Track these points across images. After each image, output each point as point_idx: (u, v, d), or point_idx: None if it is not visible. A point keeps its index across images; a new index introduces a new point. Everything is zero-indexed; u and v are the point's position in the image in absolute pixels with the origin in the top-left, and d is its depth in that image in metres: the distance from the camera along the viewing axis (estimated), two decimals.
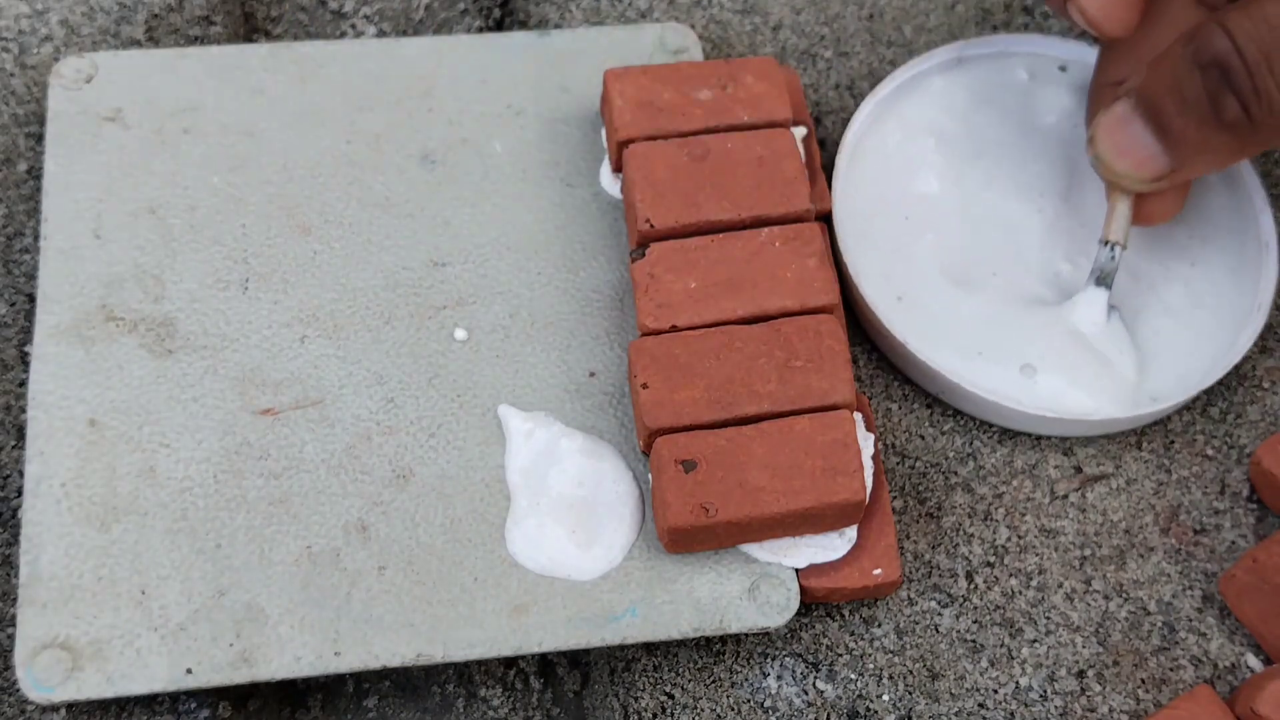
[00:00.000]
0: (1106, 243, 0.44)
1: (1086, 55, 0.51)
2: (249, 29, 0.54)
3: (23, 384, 0.45)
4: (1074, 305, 0.45)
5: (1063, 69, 0.51)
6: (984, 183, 0.49)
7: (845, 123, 0.51)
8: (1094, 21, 0.42)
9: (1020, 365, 0.46)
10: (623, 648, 0.43)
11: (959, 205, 0.49)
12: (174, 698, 0.41)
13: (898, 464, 0.46)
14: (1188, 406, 0.47)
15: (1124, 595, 0.44)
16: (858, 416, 0.42)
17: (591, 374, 0.44)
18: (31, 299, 0.46)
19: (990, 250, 0.48)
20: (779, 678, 0.42)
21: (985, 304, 0.47)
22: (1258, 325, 0.46)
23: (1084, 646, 0.43)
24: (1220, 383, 0.48)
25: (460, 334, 0.44)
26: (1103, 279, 0.44)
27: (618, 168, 0.46)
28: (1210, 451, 0.47)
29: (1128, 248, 0.44)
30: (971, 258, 0.48)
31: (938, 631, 0.43)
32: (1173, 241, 0.48)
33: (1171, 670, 0.43)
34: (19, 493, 0.43)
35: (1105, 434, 0.46)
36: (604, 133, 0.47)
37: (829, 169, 0.49)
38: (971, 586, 0.44)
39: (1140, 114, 0.39)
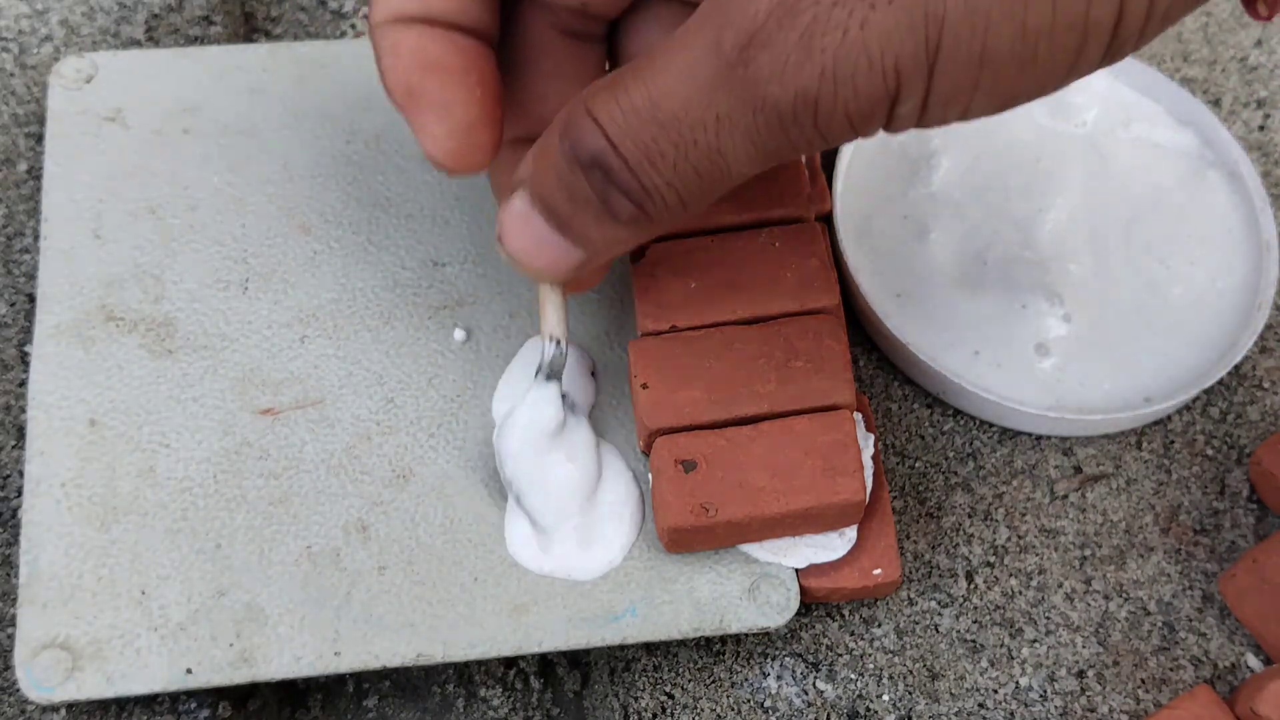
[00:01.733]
0: (551, 339, 0.40)
1: None
2: (249, 29, 0.54)
3: (23, 384, 0.45)
4: (529, 405, 0.41)
5: None
6: (985, 183, 0.49)
7: None
8: (440, 165, 0.37)
9: (1019, 365, 0.46)
10: (623, 648, 0.43)
11: (959, 205, 0.49)
12: (174, 698, 0.41)
13: (898, 464, 0.46)
14: (1188, 406, 0.47)
15: (1124, 595, 0.44)
16: (858, 416, 0.42)
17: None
18: (31, 299, 0.46)
19: (991, 250, 0.48)
20: (779, 678, 0.42)
21: (985, 303, 0.47)
22: (1258, 325, 0.46)
23: (1084, 646, 0.43)
24: (1220, 383, 0.48)
25: (460, 334, 0.44)
26: (552, 374, 0.41)
27: None
28: (1210, 451, 0.47)
29: (569, 338, 0.41)
30: (971, 257, 0.48)
31: (938, 631, 0.43)
32: (1173, 241, 0.48)
33: (1171, 670, 0.43)
34: (19, 493, 0.43)
35: (1105, 434, 0.46)
36: None
37: (829, 169, 0.49)
38: (971, 586, 0.44)
39: (539, 210, 0.35)
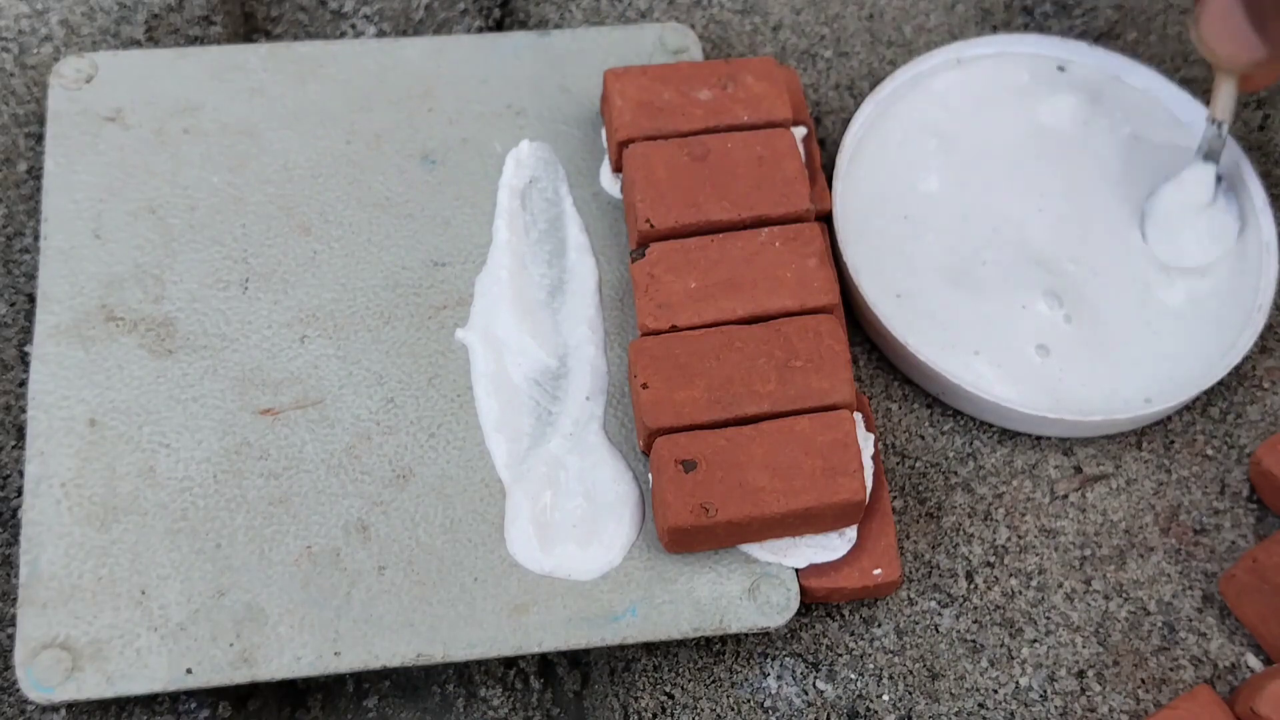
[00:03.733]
0: (1213, 120, 0.47)
1: (1085, 56, 0.51)
2: (249, 29, 0.54)
3: (23, 384, 0.45)
4: (1181, 180, 0.48)
5: (1061, 69, 0.51)
6: (984, 183, 0.49)
7: (845, 123, 0.51)
8: (1211, 55, 0.45)
9: (1019, 365, 0.46)
10: (623, 648, 0.43)
11: (959, 205, 0.49)
12: (174, 698, 0.41)
13: (898, 464, 0.46)
14: (1188, 406, 0.47)
15: (1124, 595, 0.44)
16: (858, 416, 0.42)
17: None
18: (31, 299, 0.46)
19: (990, 250, 0.48)
20: (779, 678, 0.42)
21: (985, 303, 0.47)
22: (1258, 326, 0.46)
23: (1084, 646, 0.43)
24: (1220, 383, 0.48)
25: (460, 334, 0.44)
26: (1210, 154, 0.47)
27: (618, 168, 0.46)
28: (1210, 451, 0.47)
29: (1232, 123, 0.47)
30: (971, 257, 0.48)
31: (938, 631, 0.43)
32: (1172, 242, 0.48)
33: (1171, 670, 0.43)
34: (19, 493, 0.43)
35: (1105, 434, 0.46)
36: (604, 133, 0.47)
37: (829, 169, 0.49)
38: (971, 586, 0.44)
39: (1243, 5, 0.42)
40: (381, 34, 0.54)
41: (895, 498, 0.45)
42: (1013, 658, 0.43)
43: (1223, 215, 0.48)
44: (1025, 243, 0.48)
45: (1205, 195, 0.48)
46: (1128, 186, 0.49)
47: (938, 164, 0.49)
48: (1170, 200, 0.48)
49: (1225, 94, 0.46)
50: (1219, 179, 0.48)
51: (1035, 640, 0.43)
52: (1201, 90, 0.54)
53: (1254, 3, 0.42)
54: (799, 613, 0.42)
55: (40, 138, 0.48)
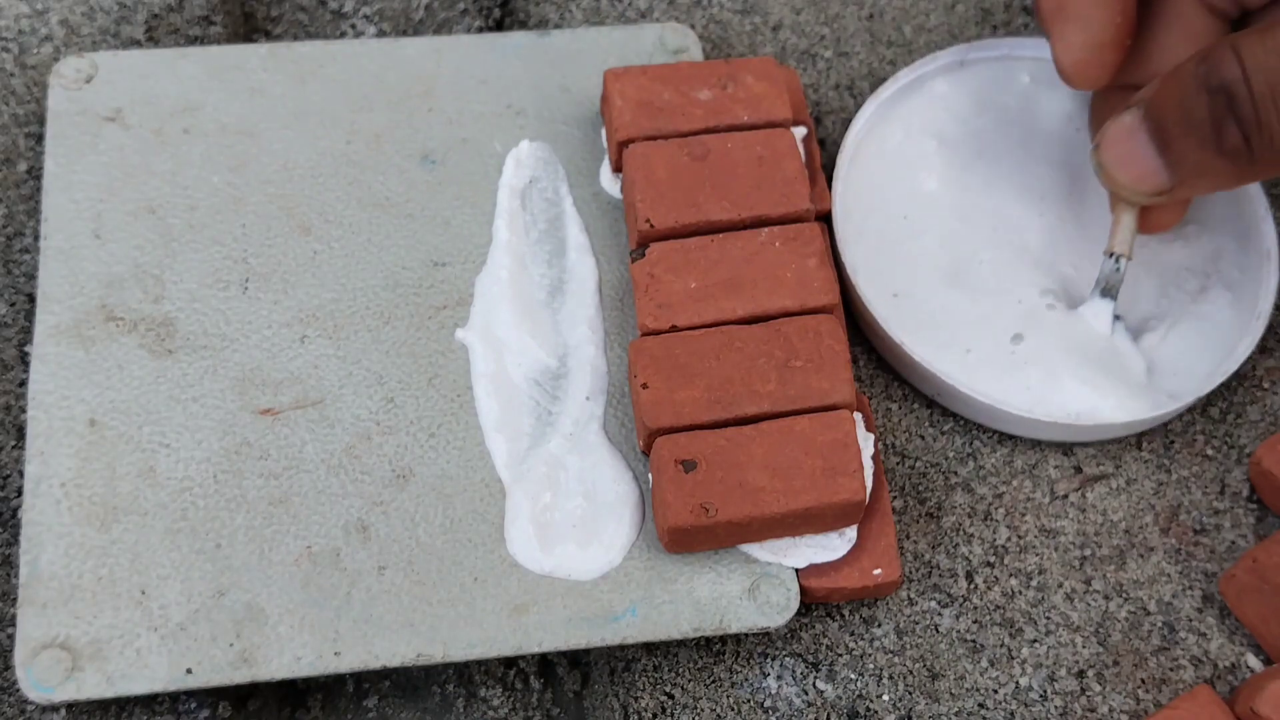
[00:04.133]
0: (1111, 254, 0.44)
1: None
2: (249, 29, 0.54)
3: (23, 384, 0.45)
4: (1079, 316, 0.46)
5: None
6: (985, 185, 0.49)
7: (845, 123, 0.51)
8: (1064, 72, 0.43)
9: (1016, 368, 0.46)
10: (623, 648, 0.43)
11: (959, 206, 0.49)
12: (174, 698, 0.41)
13: (898, 464, 0.46)
14: (1188, 406, 0.47)
15: (1124, 595, 0.44)
16: (858, 416, 0.42)
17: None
18: (31, 299, 0.46)
19: (991, 253, 0.48)
20: (779, 678, 0.42)
21: (984, 306, 0.47)
22: (1256, 334, 0.46)
23: (1084, 646, 0.43)
24: (1220, 382, 0.48)
25: (460, 334, 0.44)
26: (1107, 290, 0.45)
27: (618, 168, 0.46)
28: (1210, 451, 0.47)
29: (1132, 258, 0.44)
30: (971, 260, 0.48)
31: (938, 631, 0.43)
32: (1172, 249, 0.48)
33: (1171, 670, 0.43)
34: (19, 493, 0.43)
35: (1100, 439, 0.46)
36: (604, 133, 0.47)
37: (829, 169, 0.49)
38: (971, 586, 0.44)
39: (1146, 128, 0.39)
40: (381, 34, 0.54)
41: (895, 498, 0.45)
42: (1013, 658, 0.43)
43: (1121, 354, 0.46)
44: (1025, 246, 0.48)
45: (1104, 331, 0.45)
46: None
47: (938, 165, 0.49)
48: (1061, 334, 0.46)
49: (1125, 226, 0.43)
50: (1117, 317, 0.45)
51: (1035, 640, 0.43)
52: None
53: (1159, 128, 0.39)
54: (799, 613, 0.42)
55: (40, 138, 0.48)
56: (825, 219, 0.47)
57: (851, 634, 0.43)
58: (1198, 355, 0.46)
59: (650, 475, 0.41)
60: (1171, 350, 0.47)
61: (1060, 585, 0.44)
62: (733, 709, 0.42)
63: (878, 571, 0.42)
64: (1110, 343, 0.45)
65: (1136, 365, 0.46)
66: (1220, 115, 0.37)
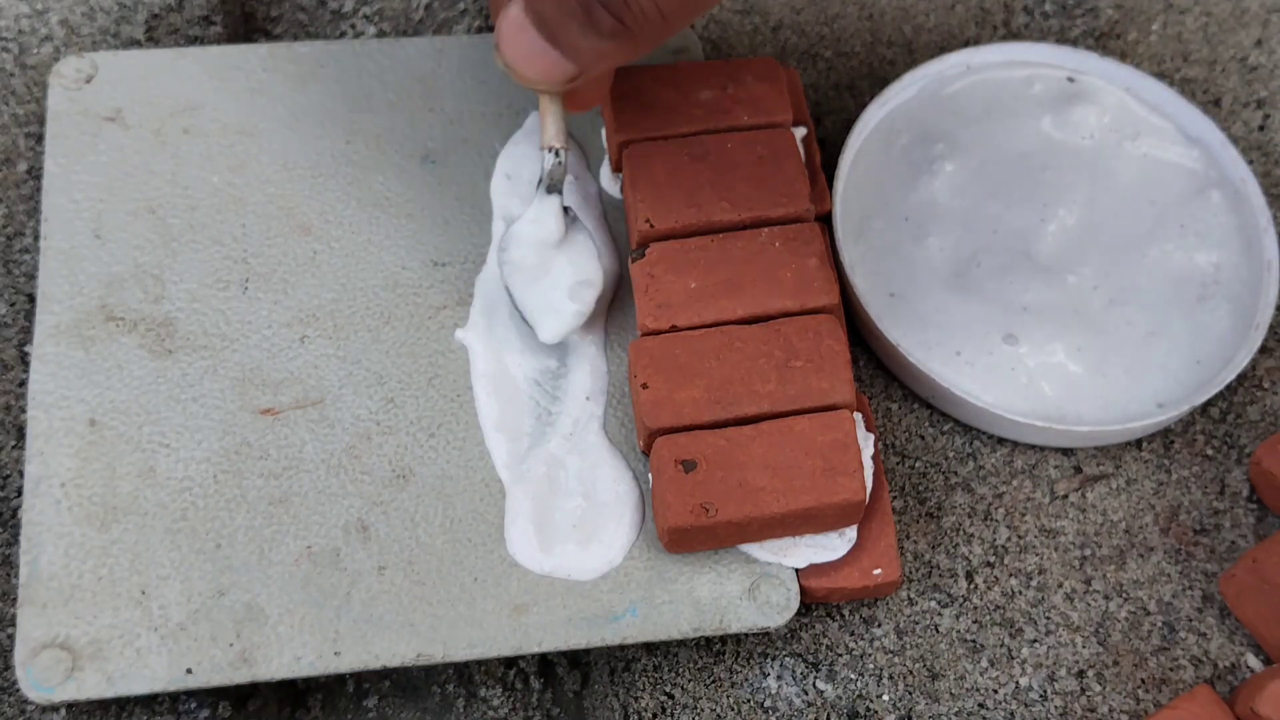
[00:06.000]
0: (547, 149, 0.41)
1: (1095, 66, 0.51)
2: (249, 29, 0.54)
3: (23, 384, 0.45)
4: (530, 219, 0.42)
5: (1071, 80, 0.51)
6: (988, 190, 0.49)
7: (845, 123, 0.51)
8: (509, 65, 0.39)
9: (1007, 370, 0.46)
10: (623, 648, 0.43)
11: (961, 210, 0.49)
12: (174, 698, 0.41)
13: (898, 464, 0.46)
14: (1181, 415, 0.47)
15: (1124, 595, 0.44)
16: (858, 416, 0.42)
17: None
18: (31, 299, 0.46)
19: (991, 256, 0.48)
20: (779, 678, 0.42)
21: (981, 308, 0.47)
22: (1254, 344, 0.46)
23: (1084, 646, 0.43)
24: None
25: (460, 334, 0.44)
26: (552, 186, 0.42)
27: (618, 168, 0.46)
28: (1210, 451, 0.47)
29: (570, 148, 0.42)
30: (972, 264, 0.48)
31: (938, 631, 0.43)
32: (1172, 259, 0.48)
33: (1171, 670, 0.43)
34: (19, 493, 0.43)
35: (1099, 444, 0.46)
36: (604, 133, 0.47)
37: (830, 169, 0.49)
38: (971, 586, 0.44)
39: (532, 20, 0.37)
40: (381, 34, 0.54)
41: (895, 498, 0.45)
42: (1013, 658, 0.43)
43: (581, 249, 0.43)
44: (1026, 252, 0.48)
45: (555, 229, 0.42)
46: (1132, 200, 0.49)
47: (941, 169, 0.49)
48: (521, 239, 0.43)
49: (552, 118, 0.41)
50: (567, 210, 0.42)
51: (1035, 640, 0.43)
52: (1202, 90, 0.54)
53: (542, 20, 0.36)
54: (799, 613, 0.42)
55: (40, 138, 0.48)
56: (825, 219, 0.47)
57: (851, 634, 0.43)
58: (1195, 365, 0.46)
59: (650, 475, 0.41)
60: (1170, 357, 0.46)
61: (1060, 585, 0.44)
62: (733, 709, 0.42)
63: (878, 571, 0.42)
64: (569, 237, 0.42)
65: (592, 264, 0.42)
66: (587, 3, 0.35)
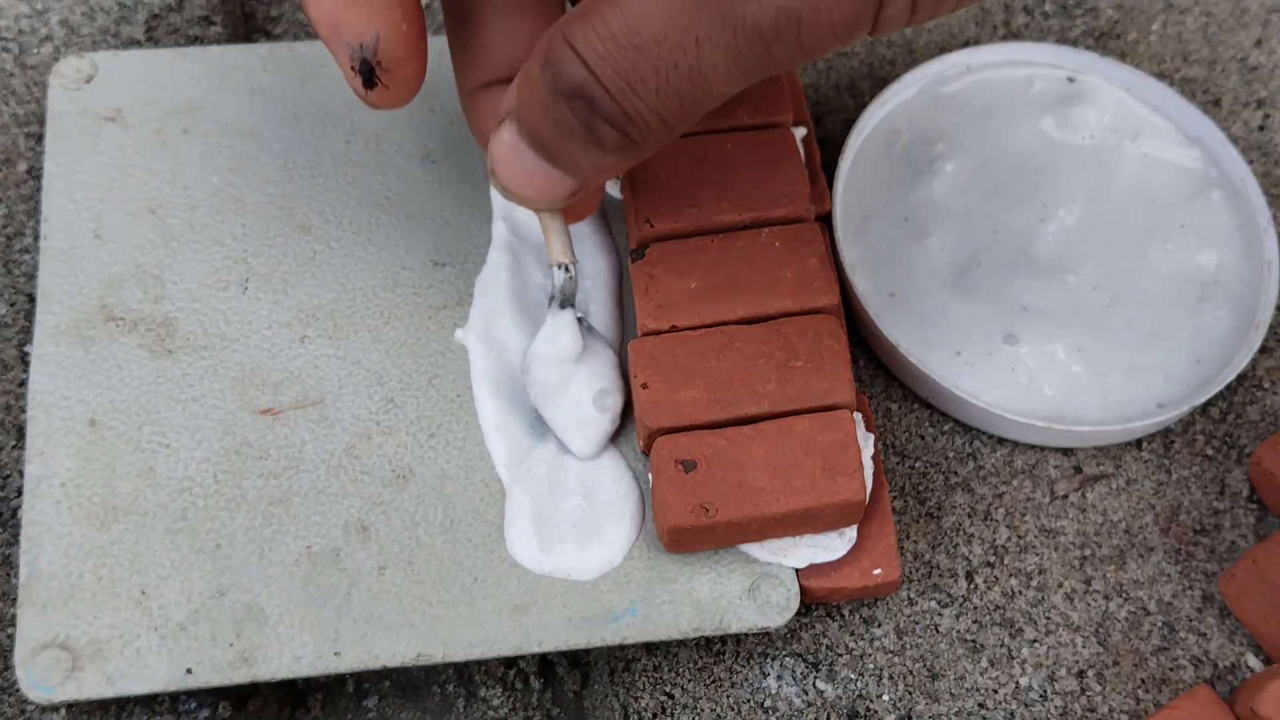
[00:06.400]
0: (559, 265, 0.40)
1: (1095, 66, 0.51)
2: (249, 29, 0.54)
3: (23, 384, 0.45)
4: (546, 336, 0.42)
5: (1071, 80, 0.51)
6: (988, 190, 0.49)
7: (845, 123, 0.51)
8: (364, 98, 0.38)
9: (1013, 371, 0.46)
10: (623, 648, 0.43)
11: (961, 210, 0.49)
12: (174, 698, 0.41)
13: (898, 464, 0.46)
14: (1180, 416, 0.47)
15: (1124, 595, 0.44)
16: (858, 416, 0.42)
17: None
18: (31, 299, 0.46)
19: (991, 256, 0.48)
20: (779, 678, 0.42)
21: (980, 309, 0.47)
22: (1254, 344, 0.46)
23: (1084, 646, 0.43)
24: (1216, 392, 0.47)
25: (460, 334, 0.44)
26: (565, 301, 0.41)
27: None
28: (1210, 451, 0.47)
29: (578, 260, 0.41)
30: (972, 264, 0.48)
31: (938, 631, 0.43)
32: (1172, 260, 0.48)
33: (1171, 670, 0.43)
34: (19, 493, 0.43)
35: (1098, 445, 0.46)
36: None
37: (830, 169, 0.49)
38: (971, 586, 0.44)
39: (527, 142, 0.35)
40: None
41: (895, 498, 0.45)
42: (1013, 658, 0.43)
43: (599, 359, 0.43)
44: (1026, 252, 0.48)
45: (573, 344, 0.41)
46: (1132, 200, 0.49)
47: (941, 169, 0.49)
48: (541, 358, 0.42)
49: (556, 235, 0.39)
50: (581, 320, 0.42)
51: (1035, 640, 0.43)
52: (1202, 90, 0.54)
53: (539, 142, 0.35)
54: (799, 613, 0.42)
55: (40, 138, 0.48)
56: (825, 219, 0.47)
57: (851, 634, 0.43)
58: (1195, 365, 0.46)
59: (650, 475, 0.41)
60: (1169, 358, 0.46)
61: (1060, 585, 0.44)
62: (733, 709, 0.42)
63: (878, 571, 0.42)
64: (585, 353, 0.42)
65: (610, 373, 0.42)
66: (588, 119, 0.33)
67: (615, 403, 0.42)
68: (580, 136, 0.34)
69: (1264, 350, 0.49)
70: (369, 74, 0.36)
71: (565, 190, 0.36)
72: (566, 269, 0.40)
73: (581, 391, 0.42)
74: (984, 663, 0.43)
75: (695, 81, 0.32)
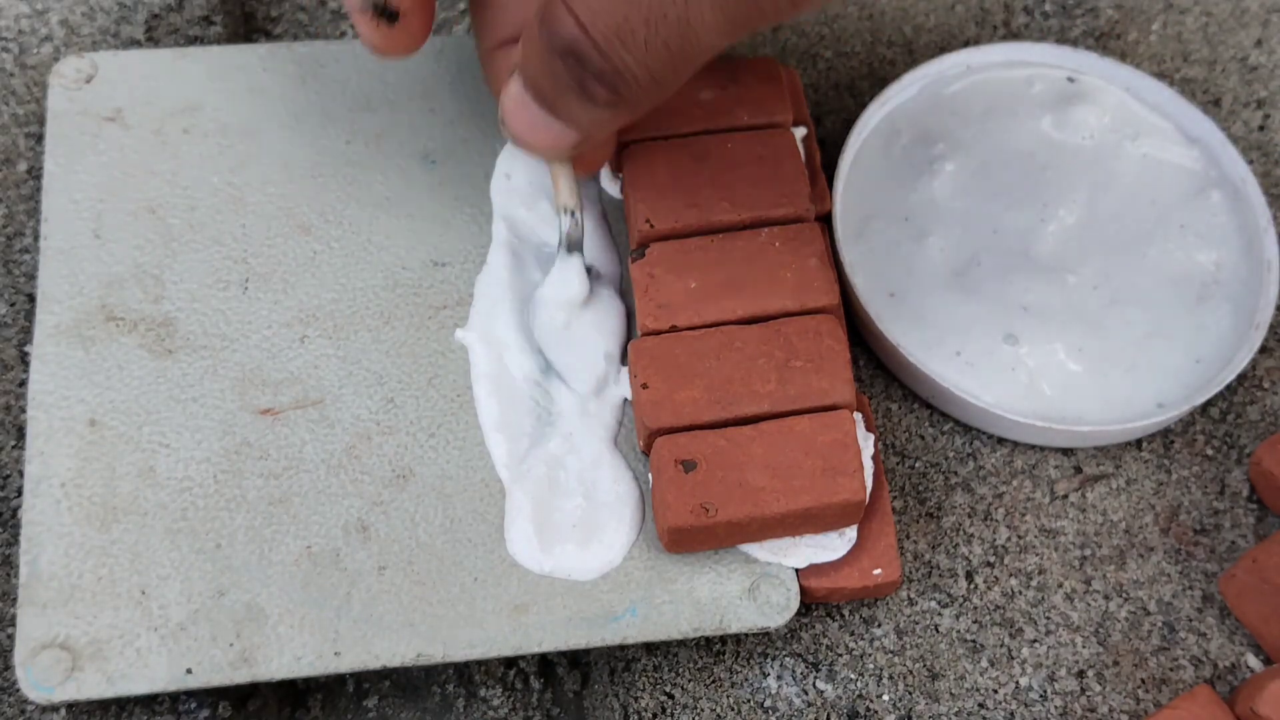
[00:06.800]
0: (564, 210, 0.42)
1: (1095, 66, 0.51)
2: (249, 29, 0.54)
3: (23, 384, 0.45)
4: (553, 281, 0.43)
5: (1070, 79, 0.51)
6: (988, 190, 0.49)
7: (845, 123, 0.51)
8: (370, 44, 0.40)
9: (1013, 371, 0.46)
10: (623, 648, 0.43)
11: (961, 210, 0.49)
12: (174, 698, 0.41)
13: (898, 464, 0.46)
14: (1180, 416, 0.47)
15: (1124, 595, 0.44)
16: (858, 416, 0.42)
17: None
18: (31, 299, 0.46)
19: (991, 256, 0.48)
20: (779, 678, 0.42)
21: (983, 309, 0.47)
22: (1254, 344, 0.46)
23: (1084, 646, 0.43)
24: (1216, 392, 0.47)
25: (460, 334, 0.44)
26: (573, 246, 0.42)
27: (618, 168, 0.46)
28: (1210, 451, 0.47)
29: (584, 206, 0.43)
30: (972, 264, 0.48)
31: (938, 631, 0.43)
32: (1173, 259, 0.48)
33: (1171, 670, 0.43)
34: (19, 493, 0.43)
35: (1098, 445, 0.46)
36: None
37: (830, 169, 0.49)
38: (971, 586, 0.44)
39: (531, 95, 0.38)
40: None
41: (895, 498, 0.45)
42: (1013, 658, 0.43)
43: (606, 307, 0.44)
44: (1026, 252, 0.48)
45: (579, 288, 0.43)
46: (1132, 200, 0.49)
47: (941, 169, 0.49)
48: (549, 302, 0.43)
49: (563, 181, 0.42)
50: (589, 268, 0.43)
51: (1035, 640, 0.43)
52: (1202, 90, 0.54)
53: (540, 95, 0.37)
54: (799, 613, 0.42)
55: (40, 138, 0.48)
56: (825, 219, 0.47)
57: (851, 634, 0.43)
58: (1195, 365, 0.46)
59: (650, 475, 0.41)
60: (1169, 358, 0.46)
61: (1060, 585, 0.44)
62: (733, 709, 0.42)
63: (878, 571, 0.42)
64: (593, 296, 0.43)
65: (618, 321, 0.43)
66: (579, 75, 0.35)
67: (619, 348, 0.43)
68: (575, 91, 0.36)
69: (1264, 350, 0.49)
70: (385, 11, 0.39)
71: (569, 141, 0.38)
72: (573, 214, 0.42)
73: (588, 335, 0.43)
74: (984, 663, 0.43)
75: (684, 34, 0.33)
